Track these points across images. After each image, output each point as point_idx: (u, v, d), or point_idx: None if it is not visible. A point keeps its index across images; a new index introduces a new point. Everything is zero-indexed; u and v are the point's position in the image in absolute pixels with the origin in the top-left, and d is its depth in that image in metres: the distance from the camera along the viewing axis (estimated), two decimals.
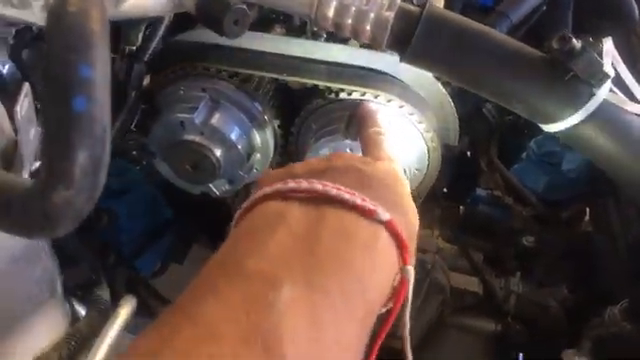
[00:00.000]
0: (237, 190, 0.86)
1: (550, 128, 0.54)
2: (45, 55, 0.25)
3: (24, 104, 0.50)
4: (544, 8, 1.25)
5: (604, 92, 0.51)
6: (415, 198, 0.87)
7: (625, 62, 1.12)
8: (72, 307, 0.68)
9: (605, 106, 0.52)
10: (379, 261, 0.34)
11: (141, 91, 0.79)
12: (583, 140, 0.53)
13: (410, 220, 0.39)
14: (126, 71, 0.77)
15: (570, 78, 0.50)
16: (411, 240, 0.38)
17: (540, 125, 0.55)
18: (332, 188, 0.35)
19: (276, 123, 0.80)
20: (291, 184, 0.36)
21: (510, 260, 1.20)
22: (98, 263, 0.78)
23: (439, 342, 1.14)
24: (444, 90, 0.77)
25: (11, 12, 0.47)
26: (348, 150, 0.75)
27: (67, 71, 0.24)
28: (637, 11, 1.18)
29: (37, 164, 0.58)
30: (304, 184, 0.35)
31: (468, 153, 1.27)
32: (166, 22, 0.76)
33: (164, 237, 1.24)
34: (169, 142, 0.78)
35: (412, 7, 0.53)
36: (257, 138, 0.80)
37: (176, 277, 1.34)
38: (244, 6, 0.49)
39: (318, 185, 0.35)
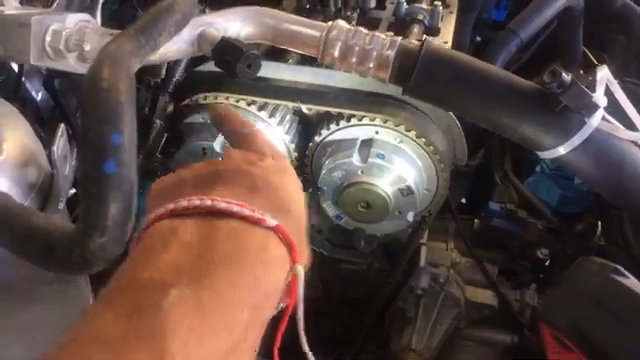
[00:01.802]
0: None
1: (545, 155, 0.57)
2: (81, 123, 0.30)
3: (60, 143, 0.55)
4: (555, 24, 1.28)
5: (595, 121, 0.54)
6: (426, 217, 0.91)
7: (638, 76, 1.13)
8: None
9: (597, 134, 0.55)
10: (270, 260, 0.36)
11: (165, 119, 0.85)
12: (576, 166, 0.56)
13: (297, 216, 0.41)
14: (151, 102, 0.82)
15: (562, 109, 0.54)
16: (300, 236, 0.40)
17: (536, 152, 0.58)
18: (221, 202, 0.37)
19: (292, 146, 0.84)
20: (182, 203, 0.37)
21: (525, 272, 1.22)
22: None
23: (456, 354, 1.16)
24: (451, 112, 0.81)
25: (48, 63, 0.52)
26: (360, 173, 0.79)
27: (101, 140, 0.28)
28: None
29: (72, 192, 0.63)
30: (195, 201, 0.37)
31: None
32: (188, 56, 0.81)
33: None
34: None
35: (412, 45, 0.57)
36: None
37: None
38: (256, 51, 0.53)
39: (208, 201, 0.37)
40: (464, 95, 0.56)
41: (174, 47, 0.53)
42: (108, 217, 0.29)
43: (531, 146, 0.57)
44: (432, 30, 1.07)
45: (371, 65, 0.57)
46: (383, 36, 0.57)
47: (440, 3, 1.09)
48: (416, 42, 0.80)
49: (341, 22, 0.59)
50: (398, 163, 0.79)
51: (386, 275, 1.07)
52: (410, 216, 0.83)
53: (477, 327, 1.15)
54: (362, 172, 0.79)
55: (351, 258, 1.08)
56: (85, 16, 0.55)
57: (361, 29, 0.58)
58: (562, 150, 0.55)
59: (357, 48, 0.57)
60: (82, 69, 0.55)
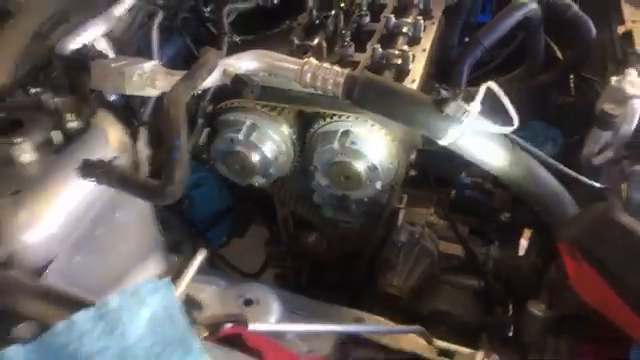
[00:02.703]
0: (272, 182, 1.26)
1: (440, 143, 0.89)
2: (162, 133, 0.65)
3: (142, 142, 0.92)
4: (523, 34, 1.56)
5: (469, 121, 0.86)
6: (394, 186, 1.24)
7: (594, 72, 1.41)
8: (168, 257, 1.11)
9: (471, 130, 0.86)
10: None
11: (205, 118, 1.20)
12: (461, 150, 0.88)
13: None
14: (195, 107, 1.18)
15: (445, 114, 0.86)
16: None
17: (436, 140, 0.90)
18: None
19: (294, 136, 1.18)
20: None
21: (492, 232, 1.52)
22: (185, 230, 1.21)
23: (435, 295, 1.46)
24: None
25: (134, 92, 0.89)
26: (340, 155, 1.12)
27: (171, 143, 0.64)
28: (594, 31, 1.47)
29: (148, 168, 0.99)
30: None
31: None
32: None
33: (228, 217, 1.67)
34: (224, 152, 1.19)
35: (354, 73, 0.90)
36: (282, 147, 1.19)
37: (239, 247, 1.77)
38: (257, 81, 0.87)
39: None
40: (387, 106, 0.89)
41: (207, 81, 0.88)
42: (175, 176, 0.65)
43: (432, 137, 0.90)
44: (414, 40, 1.37)
45: (330, 87, 0.91)
46: (337, 68, 0.91)
47: (421, 18, 1.38)
48: (399, 51, 1.12)
49: (312, 60, 0.92)
50: (367, 148, 1.11)
51: (373, 231, 1.40)
52: (378, 185, 1.16)
53: (451, 273, 1.46)
54: (341, 154, 1.12)
55: (346, 218, 1.41)
56: (155, 62, 0.91)
57: (325, 65, 0.92)
58: (447, 140, 0.87)
59: (321, 77, 0.90)
60: (154, 93, 0.91)
